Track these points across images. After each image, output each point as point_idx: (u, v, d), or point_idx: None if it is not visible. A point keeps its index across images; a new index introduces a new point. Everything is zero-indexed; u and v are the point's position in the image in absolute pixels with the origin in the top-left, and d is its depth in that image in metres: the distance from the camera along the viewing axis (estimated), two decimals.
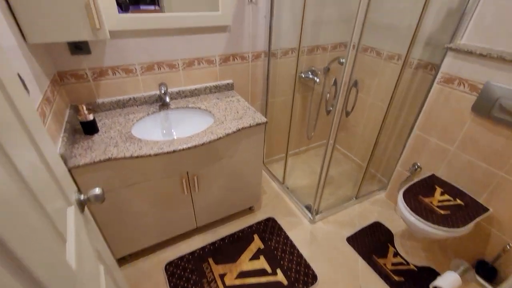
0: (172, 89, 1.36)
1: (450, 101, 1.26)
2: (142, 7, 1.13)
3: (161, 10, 1.15)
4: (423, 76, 1.46)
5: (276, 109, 1.79)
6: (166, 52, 1.26)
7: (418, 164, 1.48)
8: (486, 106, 1.12)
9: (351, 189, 1.82)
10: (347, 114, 1.42)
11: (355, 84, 1.27)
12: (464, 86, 1.19)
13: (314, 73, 1.70)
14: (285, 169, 1.75)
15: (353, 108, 1.44)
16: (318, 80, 1.67)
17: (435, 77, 1.31)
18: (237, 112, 1.28)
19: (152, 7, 1.14)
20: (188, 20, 1.21)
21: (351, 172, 1.99)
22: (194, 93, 1.42)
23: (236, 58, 1.46)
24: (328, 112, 1.49)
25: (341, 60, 1.71)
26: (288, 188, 1.76)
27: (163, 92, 1.25)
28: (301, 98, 1.86)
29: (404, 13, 1.45)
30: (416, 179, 1.36)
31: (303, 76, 1.70)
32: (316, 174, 1.66)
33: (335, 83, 1.36)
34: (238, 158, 1.28)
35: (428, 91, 1.35)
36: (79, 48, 1.08)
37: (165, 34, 1.22)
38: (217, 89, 1.48)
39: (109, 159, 0.94)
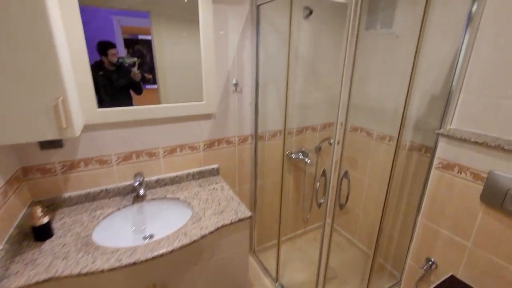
0: (151, 178, 1.27)
1: (454, 189, 1.14)
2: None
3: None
4: (419, 158, 1.38)
5: (267, 192, 1.66)
6: (147, 141, 1.22)
7: (433, 260, 1.26)
8: (496, 197, 0.99)
9: (358, 285, 1.54)
10: (341, 207, 1.29)
11: (346, 174, 1.17)
12: (466, 174, 1.09)
13: (304, 153, 1.64)
14: (277, 262, 1.51)
15: (347, 199, 1.32)
16: (309, 161, 1.59)
17: (432, 161, 1.22)
18: (219, 204, 1.15)
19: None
20: (171, 110, 1.20)
21: (357, 260, 1.73)
22: (175, 181, 1.32)
23: (222, 143, 1.41)
24: (320, 205, 1.37)
25: (331, 141, 1.67)
26: (282, 287, 1.49)
27: (138, 183, 1.15)
28: (294, 179, 1.76)
29: (389, 98, 1.47)
30: (434, 283, 1.13)
31: (294, 157, 1.64)
32: (315, 264, 1.42)
33: (323, 174, 1.28)
34: (218, 260, 1.08)
35: (428, 175, 1.25)
36: (49, 143, 1.03)
37: (146, 124, 1.19)
38: (201, 175, 1.38)
39: (50, 279, 0.76)
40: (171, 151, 1.28)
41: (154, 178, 1.27)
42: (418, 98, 1.32)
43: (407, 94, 1.09)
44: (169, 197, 1.21)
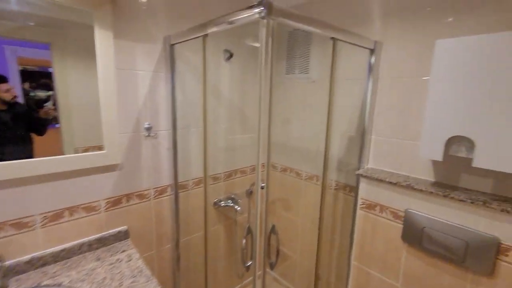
0: (20, 259, 0.91)
1: (378, 229, 1.15)
2: None
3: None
4: (345, 198, 1.39)
5: (194, 248, 1.43)
6: (15, 207, 0.89)
7: None
8: (415, 236, 1.02)
9: None
10: (272, 266, 1.16)
11: (273, 229, 1.07)
12: (387, 213, 1.11)
13: (234, 200, 1.50)
14: None
15: (277, 257, 1.21)
16: (239, 208, 1.45)
17: (356, 201, 1.23)
18: (120, 286, 0.88)
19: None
20: (54, 164, 0.93)
21: None
22: (59, 257, 0.98)
23: (132, 198, 1.16)
24: (248, 268, 1.22)
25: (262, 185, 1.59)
26: None
27: None
28: (225, 229, 1.58)
29: (313, 138, 1.50)
30: None
31: (223, 204, 1.48)
32: None
33: (249, 231, 1.16)
34: None
35: (354, 215, 1.25)
36: None
37: (16, 184, 0.88)
38: (102, 242, 1.08)
39: None
40: (56, 217, 0.97)
41: (25, 258, 0.92)
42: (338, 138, 1.37)
43: (327, 135, 1.10)
44: (45, 284, 0.87)
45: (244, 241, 1.15)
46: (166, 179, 1.26)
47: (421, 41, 1.01)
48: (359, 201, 1.20)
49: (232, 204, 1.48)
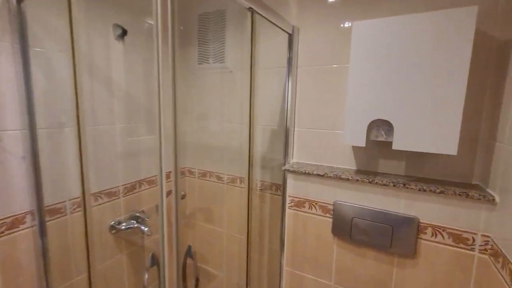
0: None
1: (309, 227, 1.06)
2: None
3: None
4: (272, 198, 1.28)
5: None
6: None
7: None
8: (344, 228, 0.97)
9: None
10: None
11: (189, 251, 0.84)
12: (316, 209, 1.04)
13: (140, 220, 1.17)
14: None
15: (197, 286, 0.97)
16: (146, 229, 1.13)
17: (284, 200, 1.12)
18: None
19: None
20: None
21: None
22: None
23: None
24: None
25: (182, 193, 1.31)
26: None
27: None
28: (129, 261, 1.21)
29: (233, 135, 1.33)
30: None
31: (124, 227, 1.13)
32: None
33: (153, 261, 0.89)
34: None
35: (283, 216, 1.14)
36: None
37: None
38: None
39: None
40: None
41: None
42: (260, 134, 1.25)
43: (250, 131, 0.95)
44: None
45: (146, 275, 0.86)
46: (21, 204, 0.84)
47: (338, 25, 0.99)
48: (287, 200, 1.09)
49: (137, 225, 1.14)
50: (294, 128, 1.14)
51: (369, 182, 0.90)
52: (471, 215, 0.78)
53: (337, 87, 1.02)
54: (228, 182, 1.40)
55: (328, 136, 1.07)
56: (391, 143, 0.83)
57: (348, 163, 1.04)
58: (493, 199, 0.74)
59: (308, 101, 1.09)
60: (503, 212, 0.71)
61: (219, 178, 1.42)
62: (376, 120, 0.85)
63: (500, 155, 0.74)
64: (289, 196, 1.09)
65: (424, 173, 0.93)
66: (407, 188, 0.84)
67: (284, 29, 1.02)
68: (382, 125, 0.87)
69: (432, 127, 0.77)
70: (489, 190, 0.79)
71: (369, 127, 0.87)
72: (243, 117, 0.95)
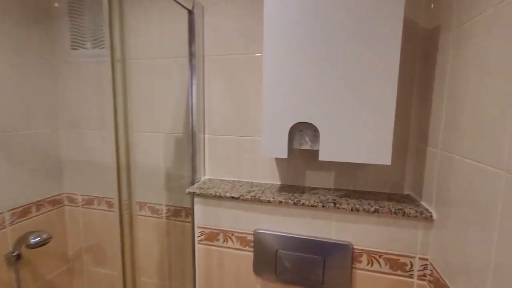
0: None
1: (226, 265, 0.81)
2: None
3: None
4: (182, 227, 0.98)
5: None
6: None
7: None
8: (268, 265, 0.75)
9: None
10: None
11: None
12: (232, 241, 0.79)
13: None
14: None
15: None
16: None
17: (193, 233, 0.84)
18: None
19: None
20: None
21: None
22: None
23: None
24: None
25: (33, 239, 0.90)
26: None
27: None
28: None
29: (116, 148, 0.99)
30: None
31: None
32: None
33: None
34: None
35: (194, 251, 0.86)
36: None
37: None
38: None
39: None
40: None
41: None
42: (163, 143, 0.95)
43: (116, 137, 0.64)
44: None
45: None
46: None
47: (248, 3, 0.78)
48: (196, 232, 0.82)
49: None
50: (204, 135, 0.89)
51: (294, 204, 0.70)
52: (407, 236, 0.65)
53: (257, 82, 0.81)
54: (126, 210, 1.05)
55: (247, 144, 0.84)
56: (317, 151, 0.65)
57: (272, 177, 0.84)
58: (430, 215, 0.62)
59: (221, 101, 0.85)
60: (441, 231, 0.59)
61: (110, 205, 1.05)
62: (299, 123, 0.65)
63: (434, 162, 0.62)
64: (198, 227, 0.82)
65: (355, 185, 0.78)
66: (338, 208, 0.67)
67: (181, 2, 0.75)
68: (306, 130, 0.68)
69: (361, 132, 0.61)
70: (423, 203, 0.67)
71: (291, 133, 0.67)
72: (122, 122, 0.64)
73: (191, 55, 0.82)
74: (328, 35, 0.60)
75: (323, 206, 0.68)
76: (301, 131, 0.69)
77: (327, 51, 0.61)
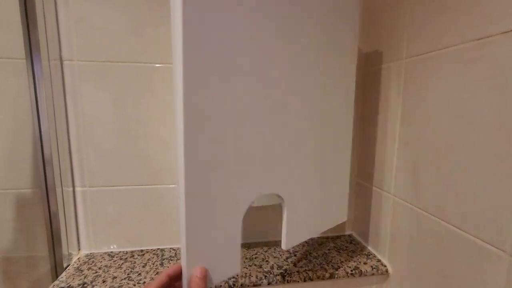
0: None
1: None
2: None
3: None
4: None
5: None
6: None
7: None
8: None
9: None
10: None
11: None
12: None
13: None
14: None
15: None
16: None
17: None
18: None
19: None
20: None
21: None
22: None
23: None
24: None
25: None
26: None
27: None
28: None
29: None
30: None
31: None
32: None
33: None
34: None
35: None
36: None
37: None
38: None
39: None
40: None
41: None
42: None
43: None
44: None
45: None
46: None
47: None
48: None
49: None
50: (73, 187, 0.55)
51: None
52: None
53: (162, 103, 0.54)
54: None
55: (149, 193, 0.57)
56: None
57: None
58: (386, 270, 0.53)
59: (101, 128, 0.54)
60: (398, 284, 0.52)
61: None
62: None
63: (385, 206, 0.55)
64: None
65: None
66: (288, 282, 0.50)
67: None
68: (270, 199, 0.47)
69: (324, 196, 0.45)
70: (371, 248, 0.60)
71: None
72: None
73: (32, 56, 0.47)
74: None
75: (269, 283, 0.49)
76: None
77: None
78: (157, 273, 0.51)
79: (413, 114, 0.46)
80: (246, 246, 0.61)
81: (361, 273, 0.52)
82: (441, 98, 0.40)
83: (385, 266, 0.54)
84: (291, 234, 0.41)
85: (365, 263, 0.54)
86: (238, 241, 0.34)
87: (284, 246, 0.40)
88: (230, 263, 0.33)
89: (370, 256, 0.57)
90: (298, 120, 0.42)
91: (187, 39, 0.25)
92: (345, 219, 0.49)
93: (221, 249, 0.32)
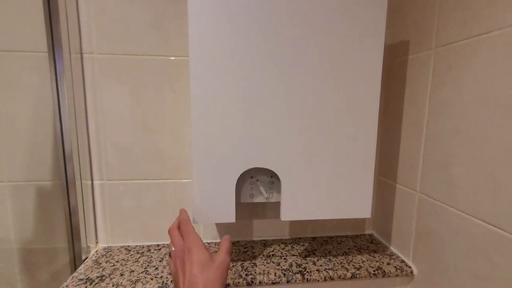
0: None
1: None
2: None
3: None
4: None
5: None
6: None
7: None
8: None
9: None
10: None
11: None
12: None
13: None
14: None
15: None
16: None
17: None
18: None
19: None
20: None
21: None
22: None
23: None
24: None
25: None
26: None
27: None
28: None
29: None
30: None
31: None
32: None
33: None
34: None
35: None
36: None
37: None
38: None
39: None
40: None
41: None
42: (10, 205, 0.55)
43: None
44: None
45: None
46: None
47: None
48: None
49: None
50: (91, 180, 0.55)
51: (248, 285, 0.47)
52: None
53: (180, 96, 0.54)
54: None
55: (166, 189, 0.56)
56: (275, 204, 0.45)
57: (206, 234, 0.59)
58: (411, 271, 0.51)
59: (119, 124, 0.54)
60: (424, 286, 0.49)
61: None
62: (250, 170, 0.43)
63: (410, 205, 0.52)
64: None
65: (313, 231, 0.63)
66: (307, 280, 0.49)
67: None
68: (259, 175, 0.46)
69: (336, 180, 0.44)
70: (393, 249, 0.57)
71: (239, 182, 0.44)
72: None
73: (55, 49, 0.47)
74: (287, 46, 0.40)
75: (288, 282, 0.48)
76: (252, 177, 0.47)
77: (281, 54, 0.41)
78: None
79: (443, 106, 0.43)
80: (262, 243, 0.60)
81: (384, 274, 0.50)
82: (475, 88, 0.37)
83: (409, 267, 0.51)
84: (289, 208, 0.44)
85: (388, 264, 0.52)
86: (233, 196, 0.43)
87: (282, 217, 0.45)
88: (226, 211, 0.43)
89: (393, 257, 0.55)
90: (314, 111, 0.40)
91: None
92: (368, 215, 0.46)
93: (220, 197, 0.42)
